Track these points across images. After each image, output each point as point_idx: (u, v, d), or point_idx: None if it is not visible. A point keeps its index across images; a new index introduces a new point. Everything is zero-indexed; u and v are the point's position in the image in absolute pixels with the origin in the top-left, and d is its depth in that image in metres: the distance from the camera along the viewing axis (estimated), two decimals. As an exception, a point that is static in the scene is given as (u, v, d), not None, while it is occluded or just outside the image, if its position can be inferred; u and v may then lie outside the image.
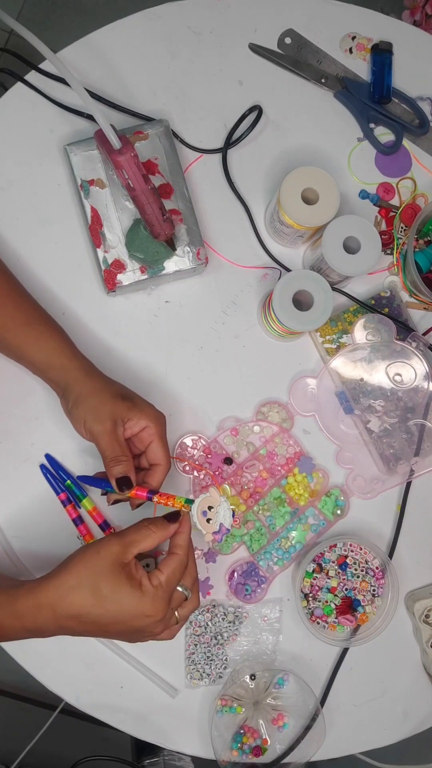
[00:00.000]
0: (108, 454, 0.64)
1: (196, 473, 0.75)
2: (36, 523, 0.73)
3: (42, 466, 0.74)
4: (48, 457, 0.74)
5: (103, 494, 0.68)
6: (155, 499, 0.64)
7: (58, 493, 0.73)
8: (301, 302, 0.72)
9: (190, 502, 0.64)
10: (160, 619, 0.58)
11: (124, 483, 0.63)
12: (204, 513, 0.64)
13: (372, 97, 0.82)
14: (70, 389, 0.66)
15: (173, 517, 0.62)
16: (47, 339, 0.67)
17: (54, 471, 0.73)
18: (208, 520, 0.64)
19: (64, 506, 0.73)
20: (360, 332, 0.77)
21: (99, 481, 0.68)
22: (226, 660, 0.74)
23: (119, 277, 0.74)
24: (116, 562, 0.57)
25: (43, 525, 0.73)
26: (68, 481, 0.73)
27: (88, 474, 0.72)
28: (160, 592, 0.58)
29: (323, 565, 0.75)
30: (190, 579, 0.62)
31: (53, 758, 1.09)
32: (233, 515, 0.66)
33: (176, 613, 0.61)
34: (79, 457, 0.74)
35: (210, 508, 0.64)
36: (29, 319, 0.68)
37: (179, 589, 0.61)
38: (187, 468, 0.75)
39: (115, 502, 0.67)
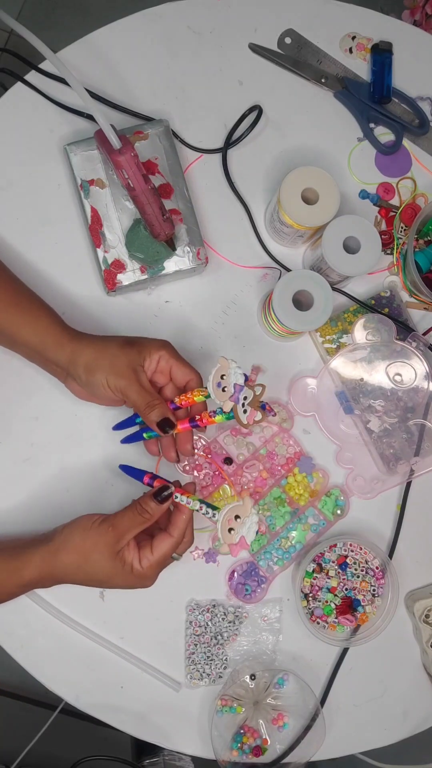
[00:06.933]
0: (140, 404, 0.64)
1: (196, 473, 0.75)
2: (37, 524, 0.73)
3: (122, 466, 0.70)
4: (123, 467, 0.70)
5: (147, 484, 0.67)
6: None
7: (141, 480, 0.69)
8: (301, 302, 0.72)
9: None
10: (149, 585, 0.66)
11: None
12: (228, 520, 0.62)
13: (372, 97, 0.82)
14: (75, 362, 0.65)
15: (163, 496, 0.63)
16: (37, 317, 0.67)
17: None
18: (230, 530, 0.62)
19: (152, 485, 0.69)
20: (360, 332, 0.77)
21: (138, 470, 0.68)
22: (226, 660, 0.74)
23: (119, 277, 0.74)
24: (111, 552, 0.62)
25: (44, 525, 0.73)
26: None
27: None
28: (149, 571, 0.63)
29: (323, 565, 0.75)
30: (185, 547, 0.65)
31: (53, 758, 1.09)
32: (257, 532, 0.64)
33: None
34: (81, 457, 0.74)
35: (237, 517, 0.62)
36: (16, 299, 0.67)
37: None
38: (188, 467, 0.75)
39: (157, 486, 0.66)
